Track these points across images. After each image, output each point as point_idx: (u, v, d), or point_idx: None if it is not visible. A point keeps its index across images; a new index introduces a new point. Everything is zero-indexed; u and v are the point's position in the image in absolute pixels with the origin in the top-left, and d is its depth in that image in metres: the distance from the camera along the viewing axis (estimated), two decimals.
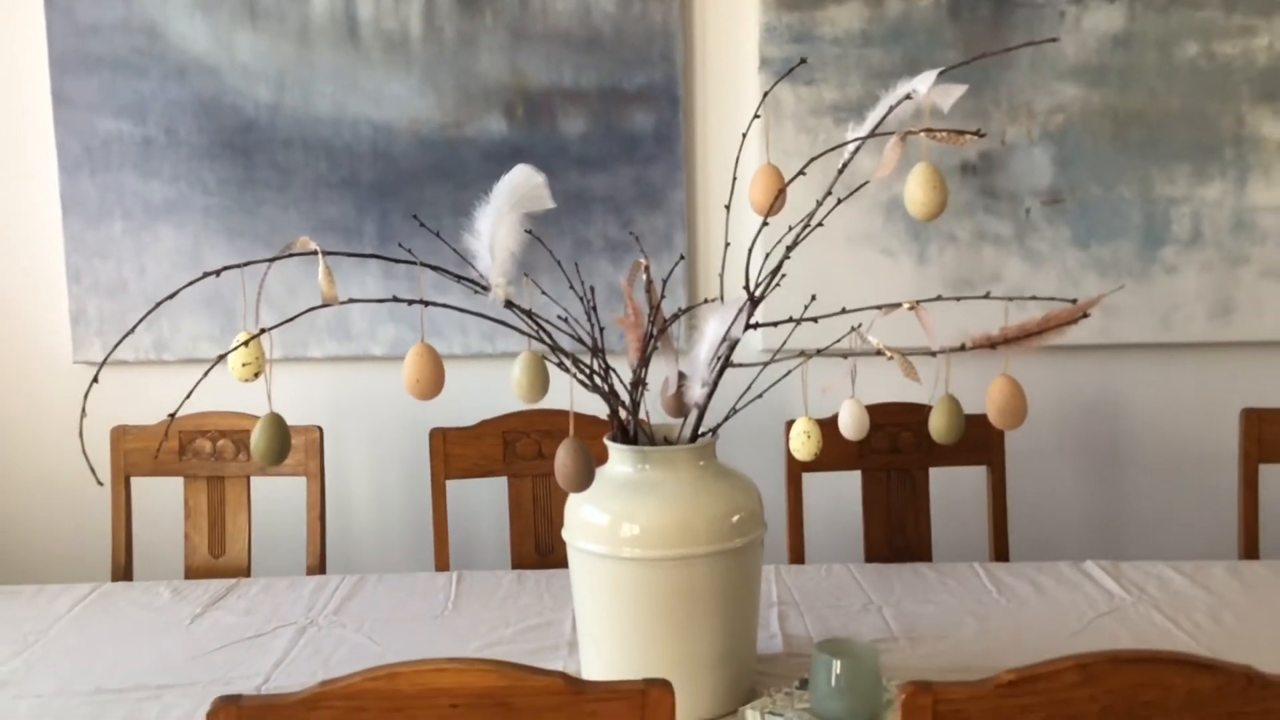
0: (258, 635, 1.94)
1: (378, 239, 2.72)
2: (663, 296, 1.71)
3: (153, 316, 2.75)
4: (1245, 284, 2.73)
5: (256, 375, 1.38)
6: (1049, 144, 2.71)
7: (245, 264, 1.43)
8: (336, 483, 2.70)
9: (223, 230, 2.74)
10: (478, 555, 2.66)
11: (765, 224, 1.60)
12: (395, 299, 1.49)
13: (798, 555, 2.33)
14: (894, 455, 2.37)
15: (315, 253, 1.40)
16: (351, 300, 1.45)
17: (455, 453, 2.37)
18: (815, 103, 2.69)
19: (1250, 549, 2.33)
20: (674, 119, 2.72)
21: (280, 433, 1.36)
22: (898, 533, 2.37)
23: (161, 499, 2.51)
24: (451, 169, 2.73)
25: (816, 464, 2.27)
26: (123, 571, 2.36)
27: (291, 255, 1.41)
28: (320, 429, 2.36)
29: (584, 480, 1.49)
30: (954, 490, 2.51)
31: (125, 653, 1.87)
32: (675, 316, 1.74)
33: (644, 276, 1.73)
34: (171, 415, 1.44)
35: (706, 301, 1.74)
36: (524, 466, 2.39)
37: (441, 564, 2.35)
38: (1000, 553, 2.37)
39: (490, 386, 2.44)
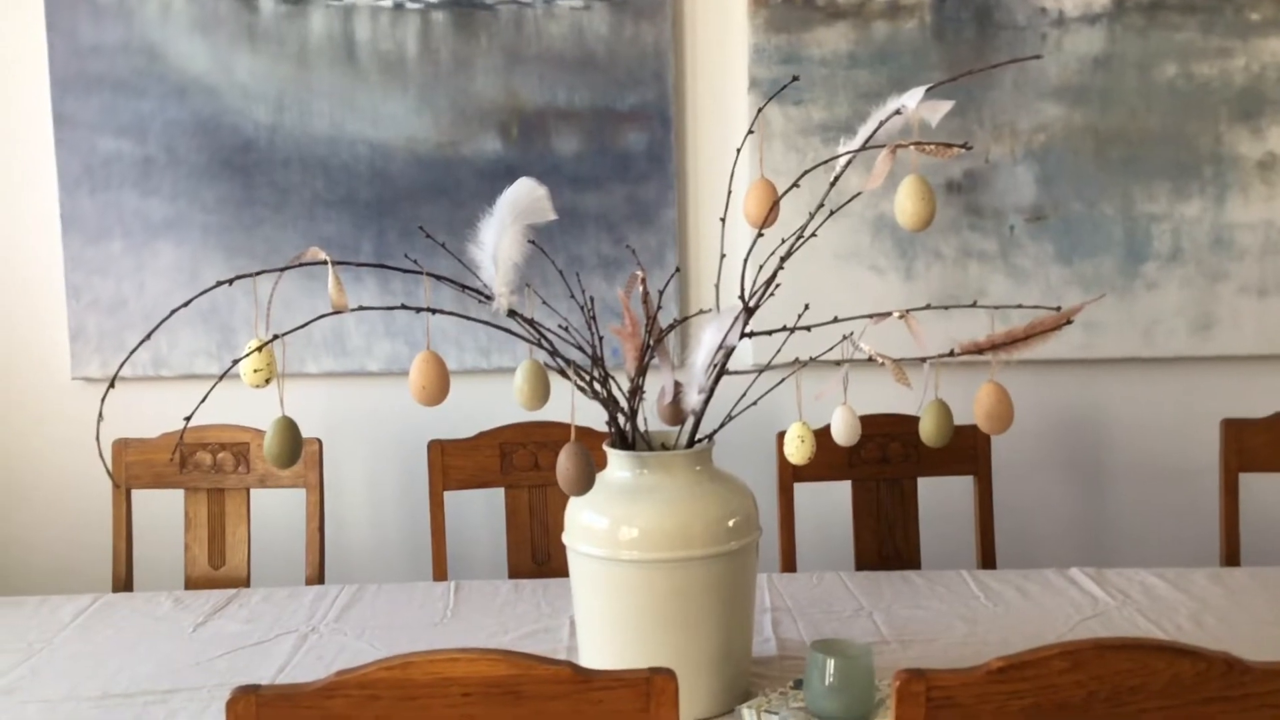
0: (260, 642, 1.97)
1: (374, 256, 2.76)
2: (659, 308, 1.75)
3: (157, 329, 2.81)
4: (1224, 299, 2.79)
5: (268, 381, 1.42)
6: (1032, 162, 2.77)
7: (258, 273, 1.47)
8: (333, 496, 2.73)
9: (221, 248, 2.77)
10: (473, 566, 2.69)
11: (760, 235, 1.65)
12: (404, 306, 1.53)
13: (789, 564, 2.37)
14: (883, 465, 2.42)
15: (325, 262, 1.45)
16: (361, 308, 1.49)
17: (453, 464, 2.41)
18: (803, 122, 2.75)
19: (1231, 556, 2.38)
20: (666, 138, 2.77)
21: (292, 436, 1.40)
22: (887, 541, 2.42)
23: (161, 511, 2.54)
24: (447, 187, 2.78)
25: (807, 474, 2.33)
26: (123, 583, 2.39)
27: (303, 265, 1.45)
28: (320, 441, 2.40)
29: (585, 483, 1.53)
30: (942, 499, 2.56)
31: (130, 659, 1.90)
32: (672, 326, 1.79)
33: (640, 288, 1.78)
34: (186, 419, 1.48)
35: (702, 312, 1.78)
36: (520, 477, 2.43)
37: (440, 574, 2.38)
38: (987, 560, 2.42)
39: (485, 401, 2.49)
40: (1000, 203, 2.78)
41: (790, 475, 2.39)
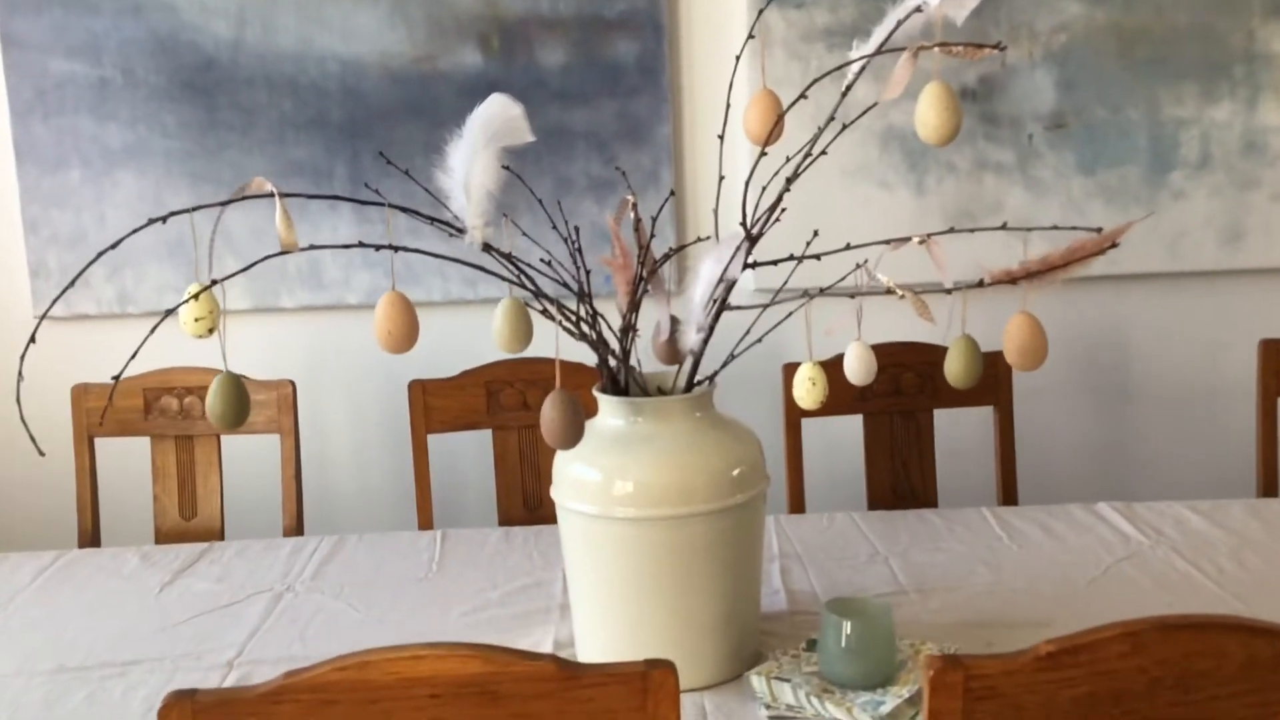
0: (230, 604, 1.83)
1: (349, 181, 2.58)
2: (652, 235, 1.59)
3: (115, 268, 2.65)
4: (1256, 208, 2.62)
5: (211, 331, 1.26)
6: (1051, 65, 2.58)
7: (196, 208, 1.30)
8: (314, 439, 2.59)
9: (185, 175, 2.60)
10: (463, 511, 2.55)
11: (763, 154, 1.48)
12: (361, 244, 1.36)
13: (798, 505, 2.23)
14: (897, 398, 2.27)
15: (272, 195, 1.28)
16: (313, 246, 1.32)
17: (436, 405, 2.25)
18: (806, 27, 2.56)
19: (1269, 485, 2.23)
20: (658, 48, 2.58)
21: (238, 394, 1.24)
22: (901, 478, 2.27)
23: (130, 459, 2.39)
24: (424, 106, 2.59)
25: (816, 409, 2.17)
26: (90, 537, 2.25)
27: (246, 198, 1.28)
28: (293, 384, 2.24)
29: (573, 436, 1.38)
30: (959, 432, 2.41)
31: (90, 626, 1.76)
32: (666, 256, 1.62)
33: (632, 214, 1.62)
34: (115, 378, 1.32)
35: (699, 240, 1.61)
36: (509, 418, 2.27)
37: (425, 522, 2.24)
38: (1009, 496, 2.27)
39: (472, 334, 2.33)
40: (1017, 110, 2.59)
41: (797, 410, 2.23)
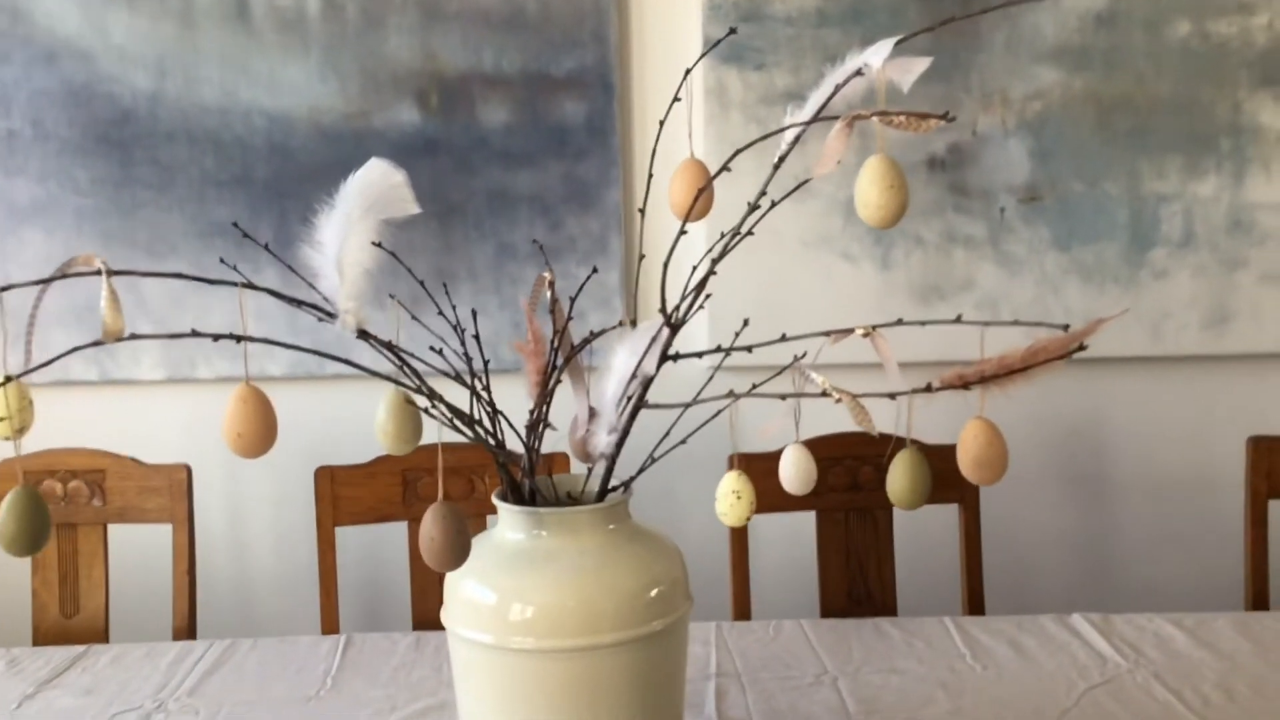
0: None
1: (274, 244, 2.38)
2: (570, 318, 1.40)
3: (18, 335, 2.45)
4: (1243, 290, 2.45)
5: (21, 432, 1.07)
6: (1026, 135, 2.42)
7: (6, 288, 1.12)
8: (231, 523, 2.38)
9: (98, 235, 2.42)
10: (382, 609, 2.34)
11: (683, 232, 1.30)
12: (196, 333, 1.18)
13: (743, 610, 2.03)
14: (853, 493, 2.07)
15: (99, 272, 1.09)
16: (134, 336, 1.13)
17: (346, 495, 2.05)
18: (765, 90, 2.40)
19: (1259, 598, 2.04)
20: (608, 108, 2.41)
21: (34, 513, 1.04)
22: (858, 581, 2.07)
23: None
24: (357, 164, 2.29)
25: (764, 503, 1.98)
26: None
27: (69, 275, 1.10)
28: (188, 468, 2.04)
29: (456, 556, 1.19)
30: (922, 531, 2.22)
31: None
32: (584, 343, 1.43)
33: (548, 293, 1.43)
34: None
35: (621, 325, 1.43)
36: (425, 509, 2.07)
37: (329, 625, 2.03)
38: (975, 603, 2.07)
39: None
40: (989, 181, 2.43)
41: None
